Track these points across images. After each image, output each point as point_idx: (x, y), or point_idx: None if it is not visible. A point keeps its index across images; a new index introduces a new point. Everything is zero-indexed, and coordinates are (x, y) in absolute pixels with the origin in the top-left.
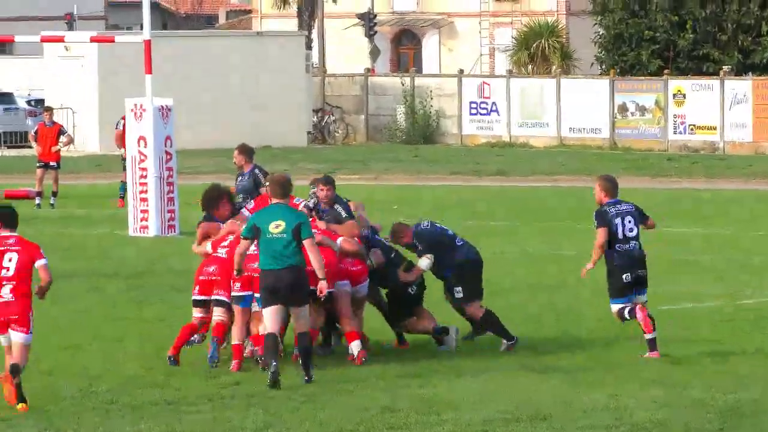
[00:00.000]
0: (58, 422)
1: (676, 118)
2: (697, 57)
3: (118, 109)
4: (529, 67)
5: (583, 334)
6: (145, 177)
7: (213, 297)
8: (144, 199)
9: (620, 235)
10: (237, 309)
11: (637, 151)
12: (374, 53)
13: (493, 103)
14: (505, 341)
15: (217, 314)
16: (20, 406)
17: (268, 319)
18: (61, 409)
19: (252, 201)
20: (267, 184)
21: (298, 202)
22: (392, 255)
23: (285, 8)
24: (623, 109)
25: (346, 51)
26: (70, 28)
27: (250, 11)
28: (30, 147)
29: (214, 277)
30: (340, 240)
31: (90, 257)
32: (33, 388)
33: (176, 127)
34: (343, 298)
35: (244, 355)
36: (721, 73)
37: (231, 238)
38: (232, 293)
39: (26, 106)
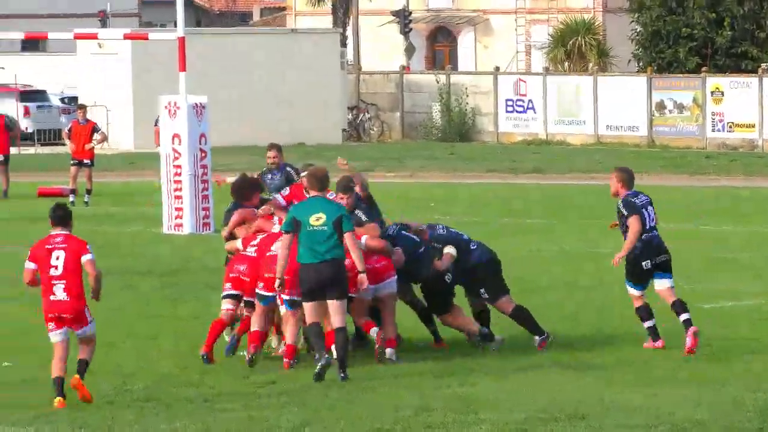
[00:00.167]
0: (92, 420)
1: (714, 115)
2: (735, 54)
3: (152, 106)
4: (566, 64)
5: (619, 333)
6: (180, 175)
7: (245, 299)
8: (178, 197)
9: (646, 225)
10: (258, 306)
11: (675, 148)
12: (409, 50)
13: (530, 100)
14: (536, 337)
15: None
16: (57, 400)
17: (309, 314)
18: (96, 407)
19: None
20: (303, 176)
21: (332, 197)
22: (421, 250)
23: (319, 5)
24: (661, 106)
25: (381, 48)
26: (104, 25)
27: (284, 8)
28: (64, 144)
29: (243, 277)
30: (364, 238)
31: (124, 255)
32: (67, 385)
33: (209, 124)
34: (361, 302)
35: (277, 354)
36: (760, 70)
37: (261, 236)
38: (257, 290)
39: (60, 104)
